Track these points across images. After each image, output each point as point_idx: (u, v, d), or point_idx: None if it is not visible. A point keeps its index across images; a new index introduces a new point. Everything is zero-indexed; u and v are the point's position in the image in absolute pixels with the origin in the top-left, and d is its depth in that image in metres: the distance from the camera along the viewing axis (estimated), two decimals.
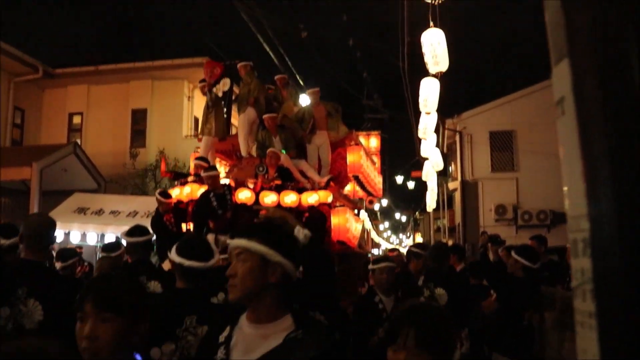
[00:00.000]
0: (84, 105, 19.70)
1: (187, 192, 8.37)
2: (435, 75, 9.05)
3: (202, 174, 7.95)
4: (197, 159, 9.02)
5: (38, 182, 14.42)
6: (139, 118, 19.43)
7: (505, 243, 6.91)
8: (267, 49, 14.58)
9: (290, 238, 2.20)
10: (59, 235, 13.62)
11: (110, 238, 12.97)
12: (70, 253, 6.33)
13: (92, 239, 13.32)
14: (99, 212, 13.83)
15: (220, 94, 11.16)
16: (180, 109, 18.91)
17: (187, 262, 3.04)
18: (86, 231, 13.40)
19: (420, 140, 14.47)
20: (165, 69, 18.80)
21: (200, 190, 8.09)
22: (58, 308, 3.25)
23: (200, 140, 9.92)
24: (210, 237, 7.41)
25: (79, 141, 18.31)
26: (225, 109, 10.34)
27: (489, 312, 5.28)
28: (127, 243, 4.90)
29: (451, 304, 4.80)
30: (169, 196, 8.62)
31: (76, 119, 19.93)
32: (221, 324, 2.10)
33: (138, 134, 19.32)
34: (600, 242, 0.74)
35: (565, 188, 0.83)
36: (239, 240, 2.03)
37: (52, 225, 3.74)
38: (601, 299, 0.74)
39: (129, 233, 4.82)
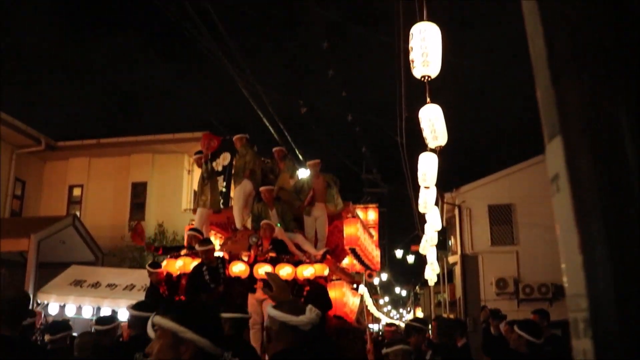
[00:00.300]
0: (85, 177, 19.79)
1: (179, 265, 8.24)
2: (434, 150, 9.13)
3: (197, 247, 7.87)
4: (190, 230, 8.95)
5: (35, 254, 14.32)
6: (138, 191, 19.48)
7: (506, 317, 6.79)
8: (267, 124, 14.80)
9: (207, 315, 2.19)
10: (54, 307, 13.43)
11: (106, 311, 12.78)
12: (61, 326, 6.20)
13: (87, 312, 13.11)
14: (96, 285, 13.68)
15: (220, 168, 11.24)
16: (180, 183, 19.00)
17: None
18: (82, 304, 13.22)
19: (419, 214, 14.49)
20: (166, 143, 18.98)
21: (193, 263, 7.99)
22: None
23: (195, 212, 9.89)
24: None
25: (78, 213, 18.28)
26: (225, 182, 10.37)
27: None
28: (131, 316, 4.81)
29: None
30: (159, 266, 8.57)
31: (76, 191, 19.98)
32: None
33: (137, 207, 19.33)
34: (601, 323, 0.72)
35: (563, 265, 0.82)
36: (156, 318, 2.11)
37: (26, 300, 3.81)
38: None
39: (136, 306, 4.75)
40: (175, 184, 18.78)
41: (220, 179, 12.30)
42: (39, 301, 13.67)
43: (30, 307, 13.14)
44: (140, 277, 13.07)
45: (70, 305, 13.26)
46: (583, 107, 0.74)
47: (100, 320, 5.51)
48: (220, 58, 11.61)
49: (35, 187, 19.65)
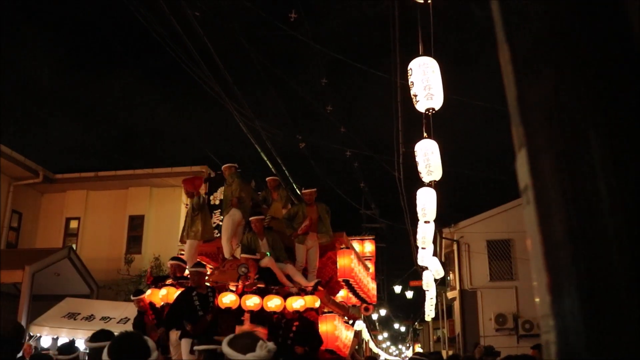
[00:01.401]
0: (82, 210, 19.73)
1: (162, 294, 8.01)
2: (429, 184, 9.13)
3: (189, 269, 7.72)
4: (172, 259, 8.81)
5: (29, 285, 14.19)
6: (136, 224, 19.41)
7: (500, 354, 6.66)
8: (265, 159, 14.81)
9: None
10: (47, 340, 13.27)
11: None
12: (71, 347, 6.03)
13: (80, 346, 12.93)
14: (90, 318, 13.55)
15: (217, 202, 11.17)
16: (178, 216, 18.90)
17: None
18: (75, 337, 13.04)
19: (417, 249, 14.43)
20: (164, 177, 18.97)
21: (176, 293, 7.77)
22: None
23: (184, 243, 9.73)
24: (185, 343, 7.05)
25: (74, 246, 18.19)
26: (221, 215, 10.27)
27: None
28: (89, 348, 4.59)
29: None
30: (140, 293, 8.45)
31: (73, 224, 19.89)
32: None
33: (134, 240, 19.24)
34: (568, 343, 0.68)
35: (534, 283, 0.78)
36: None
37: (21, 334, 3.84)
38: None
39: (92, 337, 4.51)
40: (173, 217, 18.69)
41: (217, 212, 12.22)
42: (31, 333, 13.51)
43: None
44: (135, 310, 12.93)
45: (63, 338, 13.09)
46: (545, 114, 0.72)
47: (62, 349, 5.34)
48: (219, 94, 11.66)
49: (32, 219, 19.58)
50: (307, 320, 7.57)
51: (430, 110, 7.45)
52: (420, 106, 7.30)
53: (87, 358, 5.02)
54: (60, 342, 13.04)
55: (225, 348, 2.49)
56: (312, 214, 9.15)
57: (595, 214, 0.67)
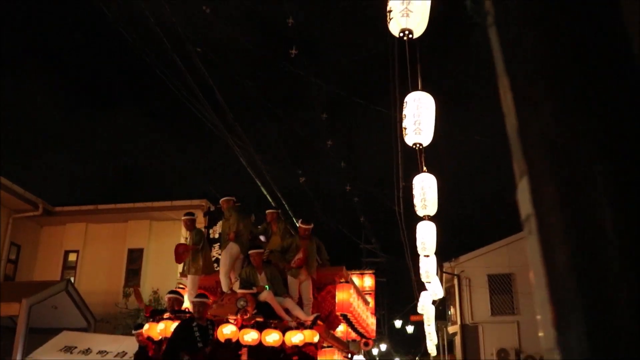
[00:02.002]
0: (81, 243, 19.64)
1: (160, 328, 7.88)
2: (423, 218, 9.12)
3: (193, 299, 7.62)
4: (170, 292, 8.72)
5: (26, 319, 14.06)
6: (135, 257, 19.31)
7: None
8: (265, 193, 14.81)
9: None
10: None
11: None
12: None
13: None
14: (87, 352, 13.38)
15: (217, 236, 11.14)
16: None
17: None
18: None
19: (418, 284, 14.36)
20: (164, 210, 18.92)
21: (174, 326, 7.65)
22: None
23: (184, 277, 9.68)
24: None
25: (73, 279, 18.07)
26: (221, 250, 10.21)
27: None
28: None
29: None
30: (141, 327, 8.38)
31: (72, 257, 19.78)
32: None
33: (133, 273, 19.11)
34: None
35: (538, 317, 0.76)
36: None
37: None
38: None
39: None
40: (172, 251, 18.58)
41: (217, 245, 12.19)
42: None
43: None
44: (133, 344, 12.73)
45: None
46: (546, 142, 0.70)
47: None
48: (220, 129, 11.73)
49: (31, 251, 19.50)
50: (306, 356, 7.45)
51: (418, 145, 7.47)
52: (409, 140, 7.32)
53: None
54: None
55: None
56: (308, 248, 9.13)
57: (600, 244, 0.65)
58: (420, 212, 8.58)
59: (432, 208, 8.47)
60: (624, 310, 0.63)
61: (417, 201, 8.44)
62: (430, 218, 9.09)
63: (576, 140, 0.70)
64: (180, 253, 9.28)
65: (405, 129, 7.25)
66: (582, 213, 0.67)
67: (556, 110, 0.71)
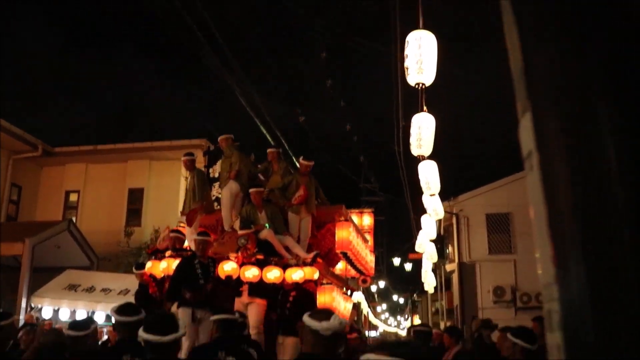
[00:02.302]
0: (81, 183, 19.75)
1: (163, 266, 8.04)
2: (417, 158, 9.13)
3: (195, 237, 7.68)
4: (172, 231, 8.81)
5: (29, 258, 14.26)
6: (135, 197, 19.44)
7: (497, 327, 6.66)
8: (265, 133, 14.79)
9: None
10: (48, 311, 13.37)
11: (100, 315, 12.73)
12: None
13: (81, 317, 13.03)
14: (90, 290, 13.64)
15: (216, 175, 11.14)
16: (177, 189, 18.90)
17: (145, 335, 3.28)
18: (76, 308, 13.16)
19: (416, 222, 14.48)
20: (163, 150, 18.96)
21: (175, 262, 7.78)
22: None
23: (184, 215, 9.73)
24: (183, 312, 7.06)
25: (74, 219, 18.23)
26: (220, 188, 10.23)
27: None
28: (116, 321, 4.71)
29: None
30: (143, 267, 8.49)
31: (73, 197, 19.93)
32: None
33: (134, 212, 19.28)
34: (571, 312, 0.66)
35: (537, 254, 0.77)
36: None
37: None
38: None
39: (120, 310, 4.63)
40: (172, 190, 18.69)
41: (216, 185, 12.21)
42: (32, 305, 13.61)
43: (24, 310, 13.06)
44: (135, 282, 12.95)
45: (64, 309, 13.20)
46: (552, 78, 0.69)
47: (75, 325, 5.36)
48: (219, 68, 11.59)
49: (32, 192, 19.61)
50: (304, 291, 7.58)
51: (420, 85, 7.42)
52: (411, 79, 7.27)
53: (113, 328, 5.20)
54: (61, 314, 13.15)
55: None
56: (306, 185, 9.18)
57: (604, 180, 0.65)
58: (415, 151, 8.58)
59: (427, 148, 8.46)
60: (623, 246, 0.64)
61: (412, 140, 8.43)
62: (427, 158, 9.08)
63: (581, 78, 0.69)
64: (191, 219, 9.27)
65: (407, 68, 7.19)
66: (585, 149, 0.67)
67: (563, 48, 0.70)
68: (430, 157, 9.52)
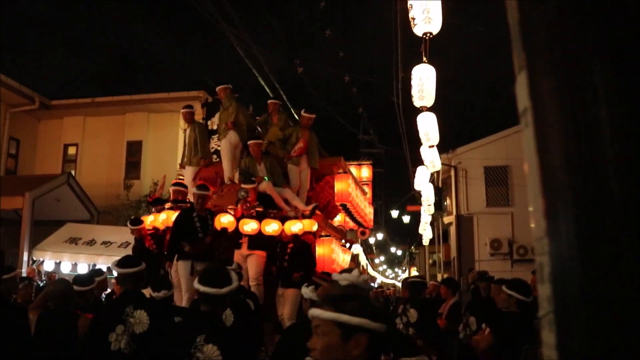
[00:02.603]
0: (80, 136, 19.70)
1: (162, 218, 8.09)
2: (420, 109, 9.08)
3: (194, 191, 7.67)
4: (174, 184, 8.81)
5: (30, 211, 14.33)
6: (134, 150, 19.42)
7: (493, 279, 6.73)
8: (263, 84, 14.67)
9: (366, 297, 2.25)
10: (49, 265, 13.50)
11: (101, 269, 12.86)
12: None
13: (82, 270, 13.17)
14: (91, 243, 13.75)
15: (215, 127, 11.10)
16: (176, 142, 18.88)
17: (201, 288, 3.39)
18: (77, 261, 13.28)
19: (415, 174, 14.50)
20: (162, 102, 18.84)
21: (174, 215, 7.81)
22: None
23: (183, 168, 9.72)
24: (183, 264, 7.14)
25: (73, 172, 18.25)
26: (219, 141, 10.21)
27: (484, 346, 5.17)
28: (117, 274, 4.79)
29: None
30: (139, 223, 8.52)
31: (71, 150, 19.91)
32: None
33: (133, 165, 19.29)
34: (561, 265, 0.69)
35: (530, 208, 0.79)
36: (314, 311, 1.88)
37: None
38: (562, 330, 0.69)
39: (119, 264, 4.72)
40: (171, 142, 18.67)
41: (215, 137, 12.19)
42: (34, 258, 13.74)
43: (25, 264, 13.18)
44: None
45: (65, 262, 13.32)
46: (548, 33, 0.70)
47: (78, 280, 5.46)
48: (217, 18, 11.43)
49: (30, 145, 19.58)
50: (301, 242, 7.64)
51: (428, 35, 7.35)
52: (418, 30, 7.19)
53: (117, 282, 5.29)
54: (63, 267, 13.28)
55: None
56: (307, 138, 9.16)
57: (595, 138, 0.67)
58: (417, 102, 8.53)
59: (429, 99, 8.42)
60: (613, 200, 0.66)
61: (414, 92, 8.37)
62: (427, 109, 9.05)
63: (578, 35, 0.69)
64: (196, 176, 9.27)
65: (413, 19, 7.09)
66: (578, 107, 0.68)
67: (559, 3, 0.70)
68: (429, 109, 9.48)
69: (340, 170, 9.38)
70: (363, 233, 12.13)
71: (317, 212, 8.20)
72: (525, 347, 4.73)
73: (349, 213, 9.82)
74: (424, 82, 8.20)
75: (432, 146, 10.42)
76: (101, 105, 19.37)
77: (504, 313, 5.03)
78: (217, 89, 9.73)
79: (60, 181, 15.83)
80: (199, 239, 7.27)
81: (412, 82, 8.32)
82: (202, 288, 3.41)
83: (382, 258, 53.50)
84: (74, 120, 19.69)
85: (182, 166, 9.81)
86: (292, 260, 7.43)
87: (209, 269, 3.72)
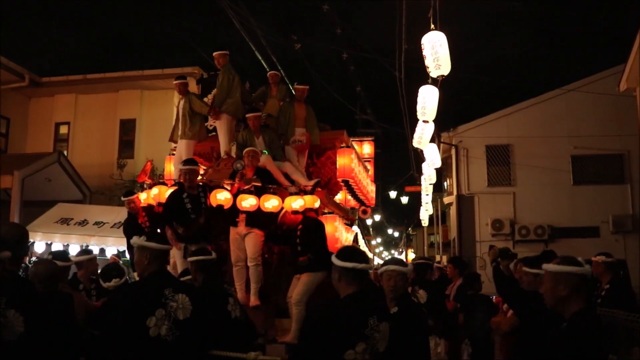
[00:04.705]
0: (71, 114, 19.23)
1: (154, 193, 7.61)
2: (436, 80, 8.60)
3: (180, 167, 7.17)
4: (185, 162, 8.31)
5: (19, 191, 13.96)
6: (127, 128, 18.97)
7: (517, 256, 6.32)
8: (260, 59, 14.25)
9: None
10: (40, 246, 13.11)
11: (93, 250, 12.49)
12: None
13: (74, 251, 12.78)
14: (83, 223, 13.36)
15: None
16: (171, 120, 18.17)
17: (350, 265, 3.34)
18: (69, 242, 12.89)
19: (415, 154, 14.11)
20: (155, 79, 18.34)
21: (168, 191, 7.33)
22: (39, 319, 3.42)
23: (174, 142, 9.25)
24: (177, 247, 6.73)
25: (65, 151, 17.81)
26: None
27: (506, 328, 4.82)
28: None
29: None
30: (132, 194, 8.18)
31: (63, 129, 19.44)
32: None
33: (126, 144, 18.85)
34: None
35: None
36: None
37: (23, 236, 3.99)
38: None
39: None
40: (165, 120, 18.11)
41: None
42: None
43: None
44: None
45: (57, 243, 12.94)
46: None
47: (59, 256, 5.31)
48: None
49: (20, 124, 19.11)
50: (310, 221, 7.08)
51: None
52: None
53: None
54: (54, 248, 12.90)
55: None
56: (301, 111, 8.76)
57: None
58: (434, 73, 8.01)
59: (445, 67, 7.91)
60: None
61: (429, 62, 7.85)
62: (441, 78, 8.50)
63: None
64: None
65: None
66: None
67: None
68: (433, 82, 9.02)
69: (343, 145, 8.94)
70: (364, 212, 11.69)
71: (319, 188, 7.73)
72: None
73: (350, 190, 9.37)
74: (437, 49, 7.72)
75: (427, 121, 9.89)
76: (93, 82, 18.86)
77: (531, 293, 4.64)
78: (215, 54, 9.13)
79: (50, 160, 15.41)
80: (191, 220, 6.84)
81: (425, 52, 7.83)
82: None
83: (379, 240, 53.33)
84: (66, 98, 19.20)
85: (172, 140, 9.32)
86: (302, 242, 6.94)
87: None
